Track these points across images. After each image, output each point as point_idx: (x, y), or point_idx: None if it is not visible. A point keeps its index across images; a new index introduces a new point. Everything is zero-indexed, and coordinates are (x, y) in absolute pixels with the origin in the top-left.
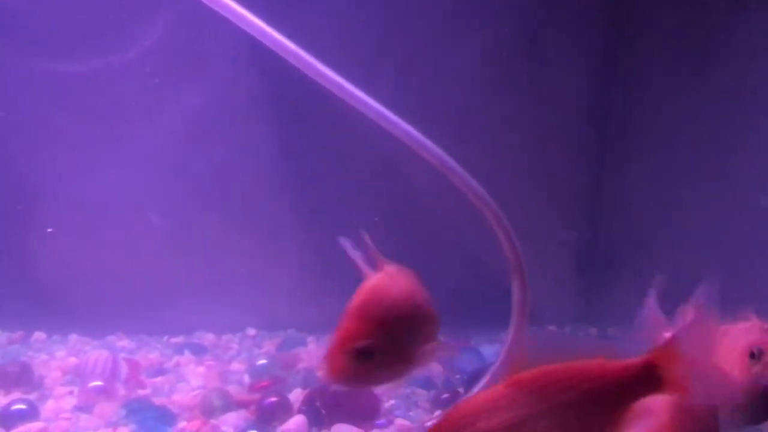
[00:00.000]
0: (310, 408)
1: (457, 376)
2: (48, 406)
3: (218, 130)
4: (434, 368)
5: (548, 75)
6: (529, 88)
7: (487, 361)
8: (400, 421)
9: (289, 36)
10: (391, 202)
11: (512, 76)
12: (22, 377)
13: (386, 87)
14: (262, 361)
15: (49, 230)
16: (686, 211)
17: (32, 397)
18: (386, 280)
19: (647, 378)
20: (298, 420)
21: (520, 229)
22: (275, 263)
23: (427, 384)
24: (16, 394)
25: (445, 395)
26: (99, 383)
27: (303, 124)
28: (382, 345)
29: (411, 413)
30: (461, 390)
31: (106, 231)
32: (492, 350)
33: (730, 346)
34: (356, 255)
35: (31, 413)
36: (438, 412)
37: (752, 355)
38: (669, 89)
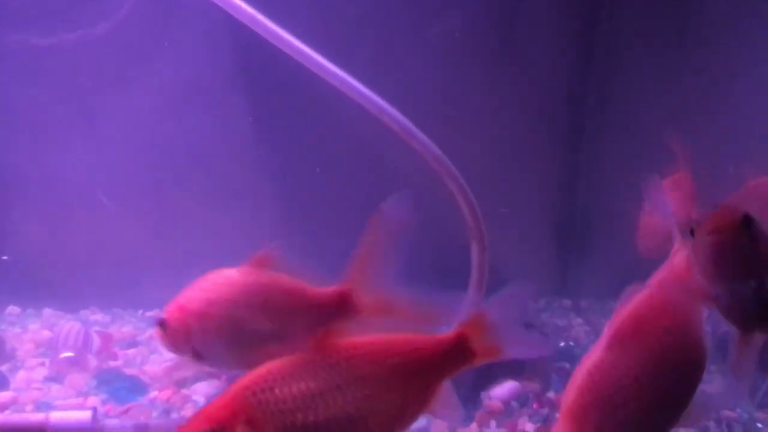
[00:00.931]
0: None
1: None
2: (19, 377)
3: (194, 106)
4: None
5: (526, 52)
6: (507, 65)
7: None
8: None
9: (266, 13)
10: (368, 176)
11: (490, 52)
12: None
13: (361, 67)
14: None
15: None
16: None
17: (3, 368)
18: None
19: (459, 351)
20: None
21: (496, 203)
22: (252, 240)
23: None
24: None
25: None
26: (70, 354)
27: (280, 100)
28: None
29: None
30: None
31: (81, 206)
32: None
33: None
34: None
35: (1, 383)
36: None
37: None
38: (648, 66)
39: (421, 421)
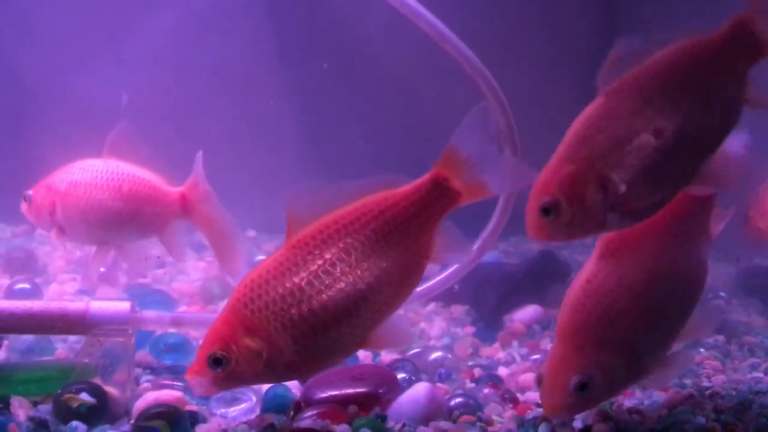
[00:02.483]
0: None
1: None
2: (52, 290)
3: (219, 29)
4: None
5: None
6: (541, 15)
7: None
8: None
9: None
10: (391, 97)
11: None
12: (27, 264)
13: None
14: (262, 257)
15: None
16: None
17: (37, 281)
18: None
19: (439, 193)
20: None
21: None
22: (275, 166)
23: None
24: (20, 279)
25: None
26: (101, 269)
27: (302, 22)
28: None
29: None
30: (456, 287)
31: (106, 129)
32: (492, 257)
33: None
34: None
35: (33, 293)
36: (431, 305)
37: None
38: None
39: (445, 340)
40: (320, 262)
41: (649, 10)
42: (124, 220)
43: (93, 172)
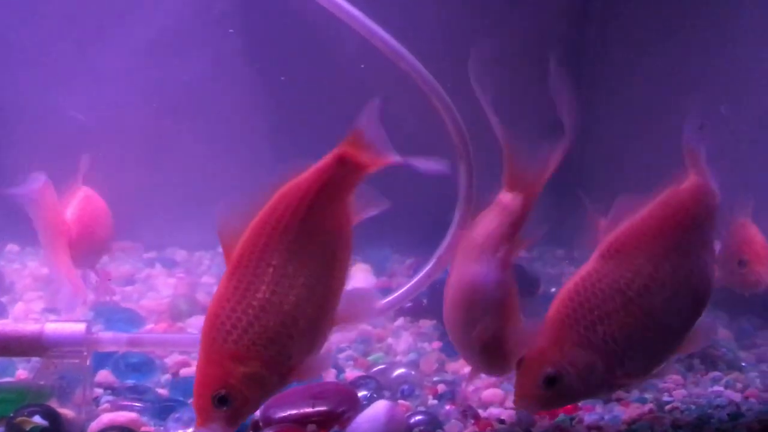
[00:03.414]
0: None
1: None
2: (17, 308)
3: (191, 44)
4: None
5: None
6: (506, 11)
7: None
8: None
9: None
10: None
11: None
12: None
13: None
14: None
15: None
16: (657, 134)
17: (2, 299)
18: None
19: (345, 168)
20: None
21: (493, 151)
22: (249, 182)
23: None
24: None
25: (408, 304)
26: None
27: (274, 36)
28: None
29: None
30: (424, 301)
31: (80, 144)
32: None
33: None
34: None
35: None
36: (399, 320)
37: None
38: (646, 15)
39: (411, 355)
40: (271, 271)
41: (618, 27)
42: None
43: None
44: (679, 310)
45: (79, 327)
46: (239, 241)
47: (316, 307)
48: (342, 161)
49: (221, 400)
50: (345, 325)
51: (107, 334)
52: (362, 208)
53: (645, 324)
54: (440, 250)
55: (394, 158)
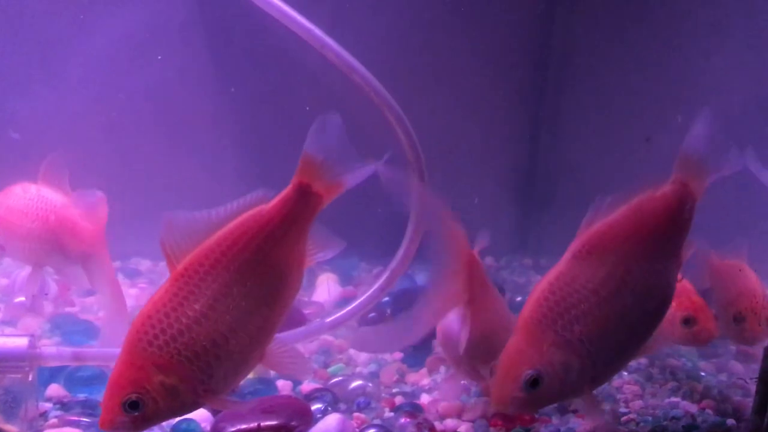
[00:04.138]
0: None
1: (386, 299)
2: None
3: (154, 53)
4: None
5: (489, 6)
6: (470, 20)
7: (417, 284)
8: None
9: None
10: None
11: (452, 7)
12: None
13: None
14: None
15: None
16: (623, 147)
17: None
18: None
19: (305, 198)
20: None
21: (459, 163)
22: (214, 190)
23: None
24: None
25: (372, 314)
26: (24, 299)
27: (238, 46)
28: None
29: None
30: (388, 311)
31: (42, 155)
32: (424, 277)
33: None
34: None
35: None
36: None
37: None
38: (609, 26)
39: (371, 366)
40: (214, 287)
41: (584, 36)
42: (50, 249)
43: (26, 199)
44: (647, 312)
45: (21, 342)
46: (183, 254)
47: (249, 337)
48: (301, 192)
49: (132, 405)
50: (268, 368)
51: (51, 349)
52: (317, 250)
53: (617, 325)
54: (394, 262)
55: (352, 180)
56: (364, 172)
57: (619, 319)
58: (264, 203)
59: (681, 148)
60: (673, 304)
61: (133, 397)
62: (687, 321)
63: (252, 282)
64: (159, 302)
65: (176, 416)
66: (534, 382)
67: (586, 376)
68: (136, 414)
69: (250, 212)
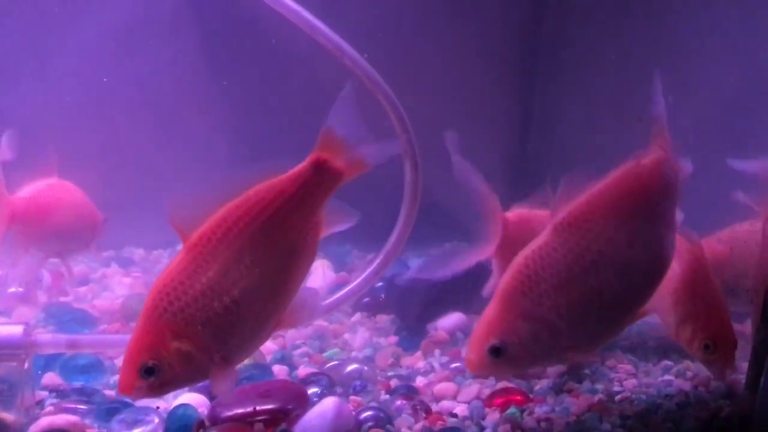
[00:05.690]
0: None
1: (379, 284)
2: None
3: (145, 45)
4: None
5: (481, 1)
6: (461, 14)
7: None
8: None
9: None
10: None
11: (443, 1)
12: None
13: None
14: None
15: None
16: (614, 134)
17: None
18: None
19: (322, 174)
20: None
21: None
22: (206, 179)
23: None
24: None
25: (366, 299)
26: (18, 289)
27: (228, 37)
28: None
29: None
30: (382, 296)
31: (33, 145)
32: (418, 263)
33: None
34: None
35: None
36: (357, 315)
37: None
38: (600, 15)
39: (367, 350)
40: (227, 255)
41: (574, 25)
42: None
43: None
44: (632, 284)
45: (17, 329)
46: (196, 229)
47: (263, 304)
48: (317, 167)
49: (148, 371)
50: (288, 327)
51: (46, 337)
52: (332, 222)
53: (593, 297)
54: (388, 245)
55: (375, 158)
56: (387, 150)
57: (596, 292)
58: (279, 173)
59: (653, 118)
60: (702, 318)
61: (150, 363)
62: (707, 347)
63: (264, 251)
64: (174, 271)
65: (192, 383)
66: (497, 352)
67: (561, 345)
68: (153, 379)
69: (265, 183)
